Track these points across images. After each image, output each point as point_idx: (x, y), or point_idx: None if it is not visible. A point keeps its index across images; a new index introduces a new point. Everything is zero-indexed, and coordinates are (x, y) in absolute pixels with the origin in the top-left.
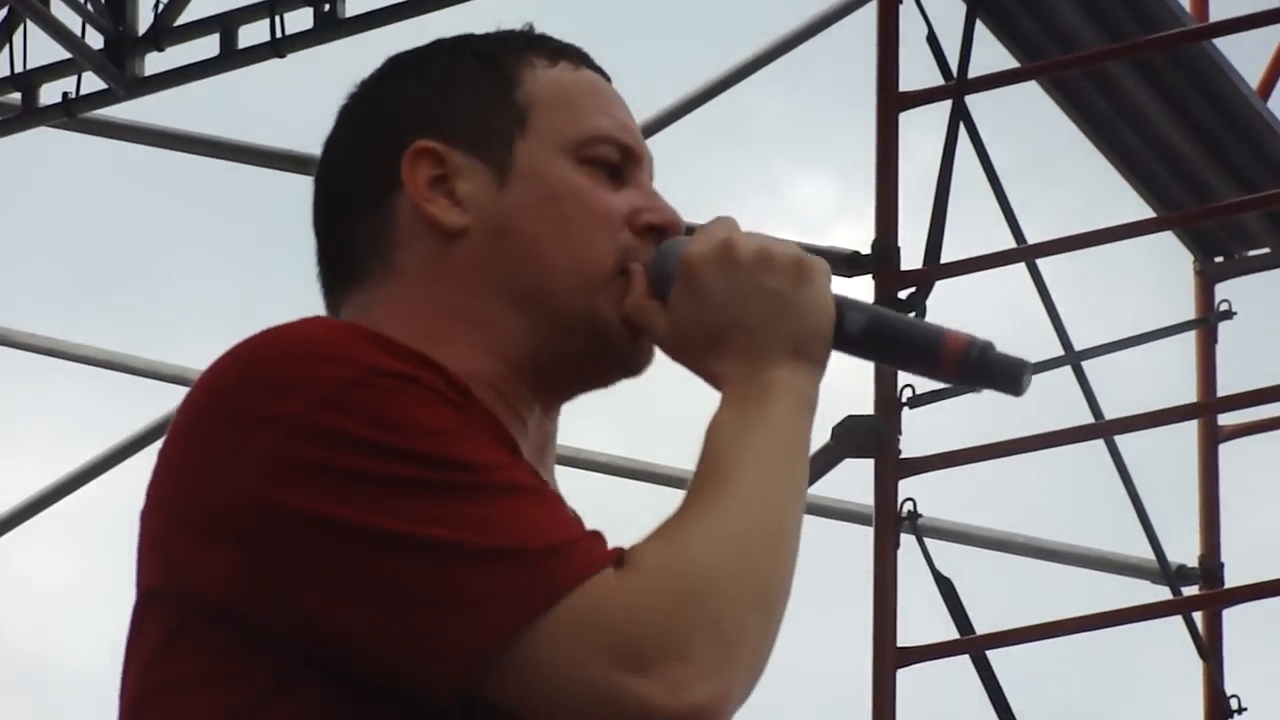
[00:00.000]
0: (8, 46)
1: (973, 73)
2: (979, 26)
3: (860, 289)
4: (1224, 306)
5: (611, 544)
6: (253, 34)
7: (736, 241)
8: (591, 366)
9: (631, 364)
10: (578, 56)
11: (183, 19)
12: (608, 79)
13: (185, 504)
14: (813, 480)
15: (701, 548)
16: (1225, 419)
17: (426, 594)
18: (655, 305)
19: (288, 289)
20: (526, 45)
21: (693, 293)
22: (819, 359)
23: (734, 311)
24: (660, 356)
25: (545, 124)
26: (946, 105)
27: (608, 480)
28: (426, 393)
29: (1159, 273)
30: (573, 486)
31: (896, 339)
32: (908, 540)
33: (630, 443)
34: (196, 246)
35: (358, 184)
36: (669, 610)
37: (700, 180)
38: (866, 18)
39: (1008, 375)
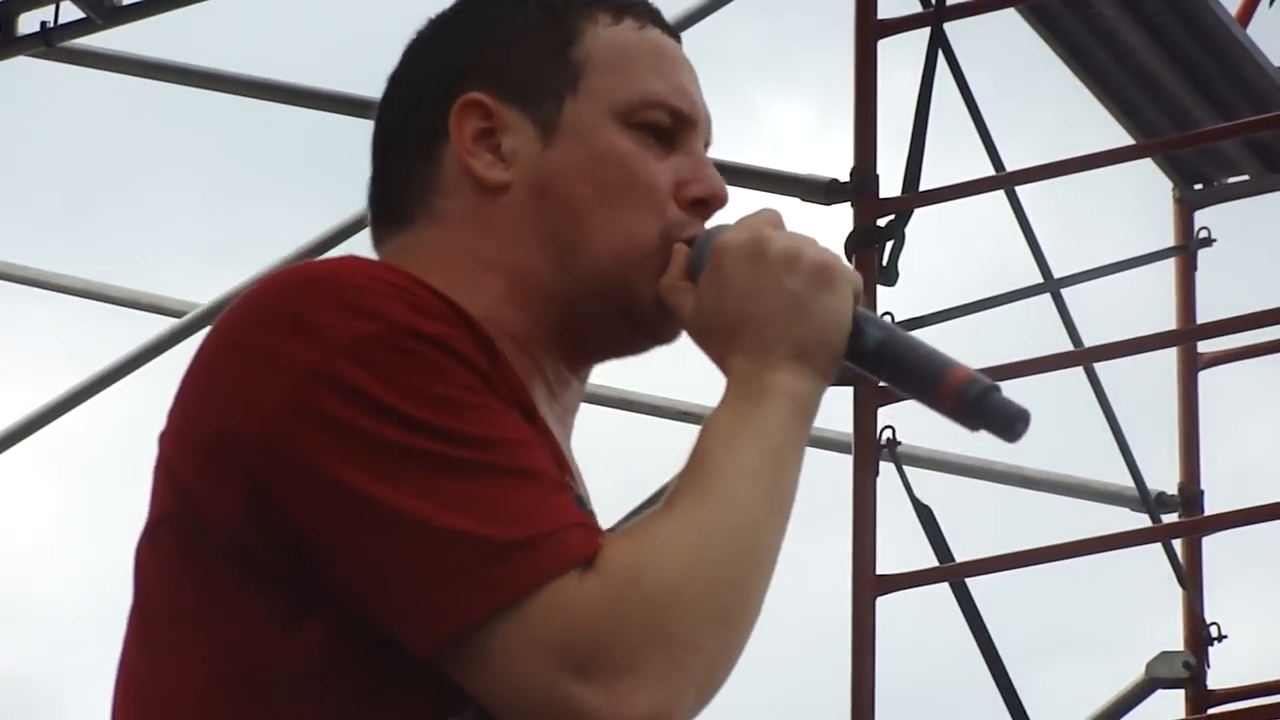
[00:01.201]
0: None
1: None
2: None
3: (839, 216)
4: (1203, 234)
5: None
6: None
7: (769, 237)
8: (618, 334)
9: (658, 337)
10: (646, 14)
11: None
12: (677, 38)
13: (200, 434)
14: None
15: (670, 557)
16: (1205, 346)
17: (400, 566)
18: (687, 287)
19: (267, 218)
20: (599, 3)
21: (718, 281)
22: (824, 368)
23: (750, 306)
24: None
25: (598, 85)
26: (924, 33)
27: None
28: (449, 358)
29: (1138, 200)
30: (619, 427)
31: (904, 362)
32: (887, 468)
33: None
34: (175, 176)
35: (410, 128)
36: (623, 621)
37: None
38: None
39: (1003, 419)
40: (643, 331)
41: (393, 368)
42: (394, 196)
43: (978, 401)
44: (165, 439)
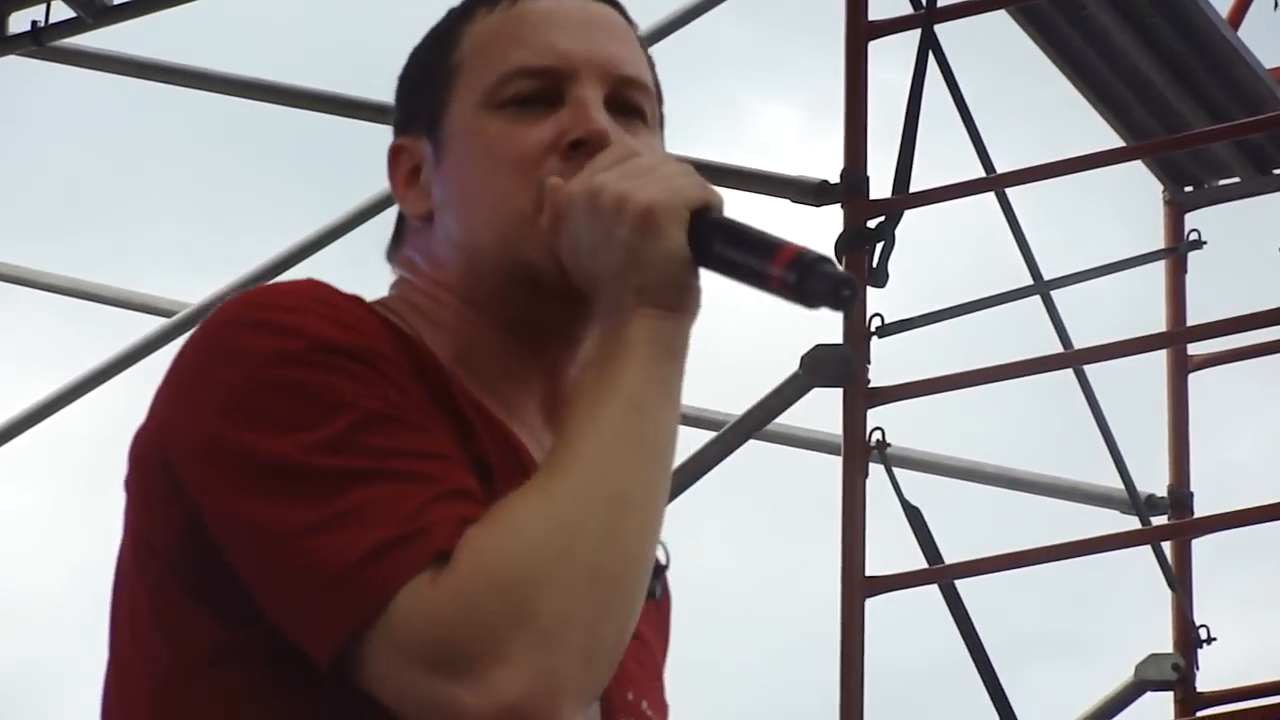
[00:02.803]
0: None
1: (941, 1)
2: None
3: (829, 218)
4: (1194, 236)
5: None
6: None
7: (599, 187)
8: (543, 304)
9: (575, 293)
10: None
11: None
12: None
13: (151, 454)
14: (781, 409)
15: (522, 534)
16: (1195, 348)
17: (288, 587)
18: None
19: (255, 219)
20: (477, 1)
21: (567, 238)
22: (679, 305)
23: (593, 264)
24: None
25: (468, 81)
26: (914, 34)
27: None
28: (364, 368)
29: (1129, 202)
30: None
31: (743, 258)
32: (876, 470)
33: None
34: (165, 176)
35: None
36: (478, 610)
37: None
38: None
39: (830, 284)
40: (557, 293)
41: (301, 383)
42: (391, 242)
43: (809, 268)
44: (129, 455)
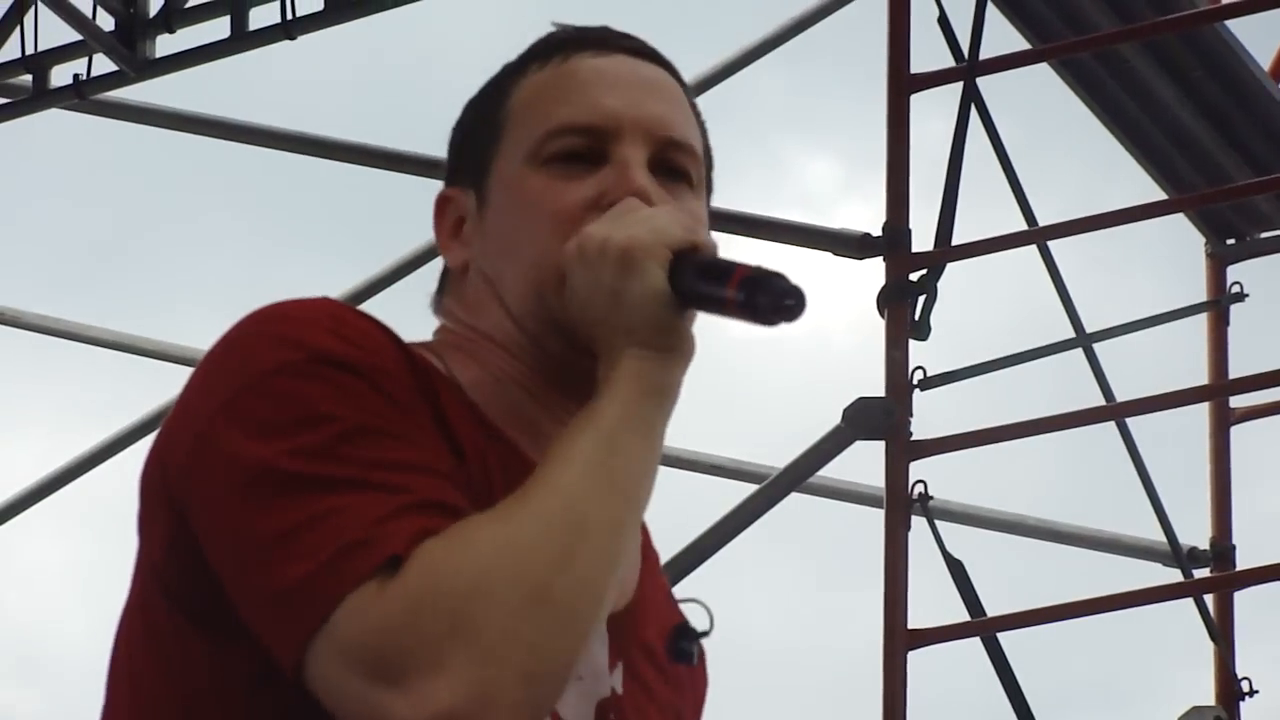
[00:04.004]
0: (19, 28)
1: (983, 54)
2: (989, 8)
3: (872, 271)
4: (1235, 289)
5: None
6: (263, 15)
7: (587, 236)
8: (575, 359)
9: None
10: (574, 43)
11: (193, 1)
12: (624, 49)
13: (149, 469)
14: (823, 462)
15: (475, 548)
16: (1237, 401)
17: (258, 592)
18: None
19: (296, 272)
20: (531, 55)
21: (570, 290)
22: (664, 345)
23: (587, 313)
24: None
25: (515, 135)
26: (954, 85)
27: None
28: (358, 382)
29: (1170, 255)
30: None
31: (708, 289)
32: (919, 522)
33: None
34: (205, 228)
35: None
36: (421, 618)
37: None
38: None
39: (777, 293)
40: (585, 348)
41: (293, 394)
42: (435, 300)
43: (755, 285)
44: (139, 487)
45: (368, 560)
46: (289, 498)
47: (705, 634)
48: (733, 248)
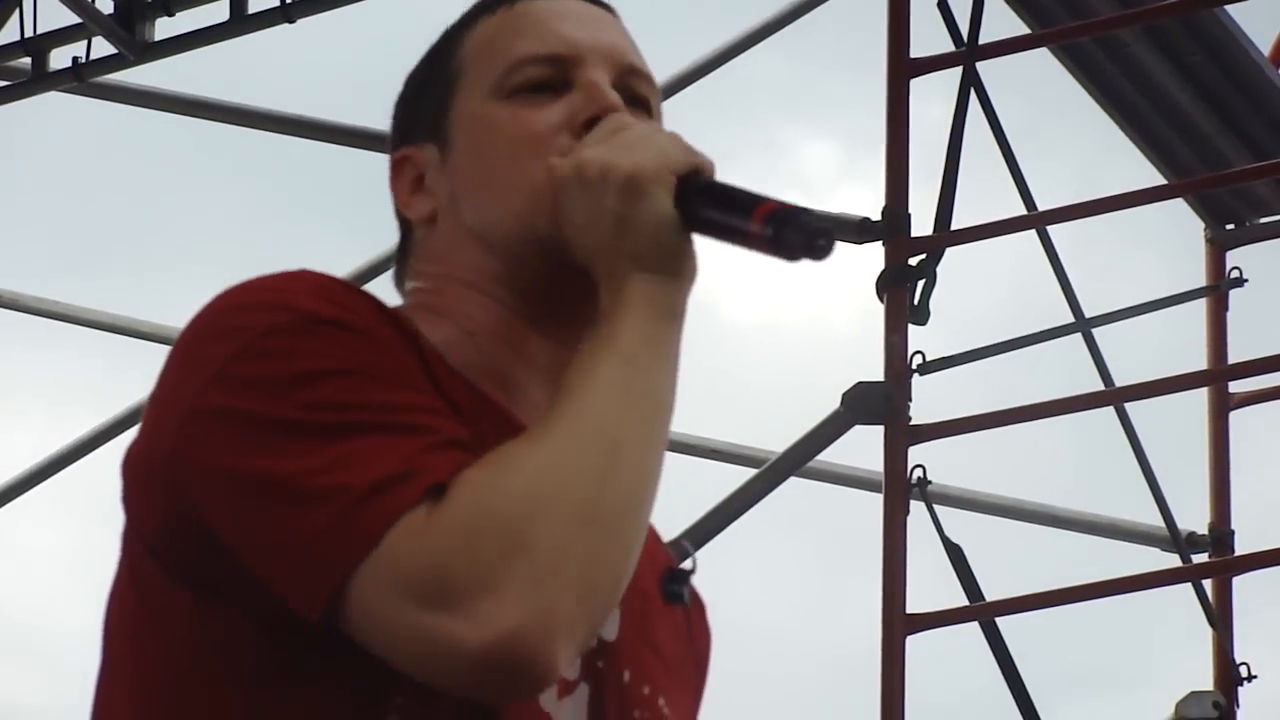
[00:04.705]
0: (18, 11)
1: (983, 38)
2: None
3: (871, 255)
4: (1235, 274)
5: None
6: None
7: (588, 159)
8: (557, 282)
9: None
10: None
11: None
12: None
13: (133, 450)
14: (822, 447)
15: (519, 471)
16: (1236, 386)
17: (281, 534)
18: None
19: (295, 256)
20: (478, 9)
21: (565, 213)
22: (673, 269)
23: (589, 238)
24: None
25: (472, 79)
26: (954, 70)
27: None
28: (353, 336)
29: (1170, 240)
30: None
31: (726, 218)
32: (917, 507)
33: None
34: (204, 211)
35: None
36: (472, 542)
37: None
38: None
39: (806, 233)
40: (569, 268)
41: (290, 349)
42: (399, 251)
43: (784, 220)
44: (121, 468)
45: (412, 490)
46: (313, 443)
47: (691, 572)
48: None
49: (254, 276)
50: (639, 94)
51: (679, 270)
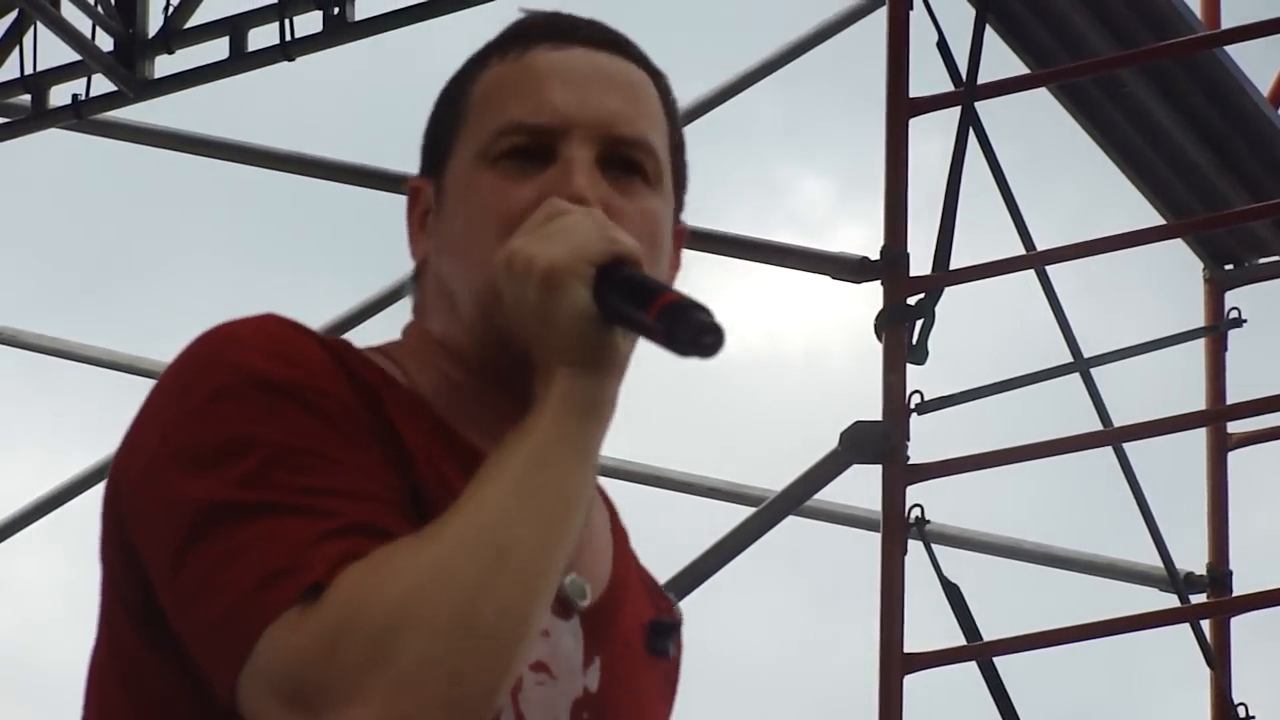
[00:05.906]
0: (18, 48)
1: (982, 78)
2: (988, 32)
3: (869, 295)
4: (1234, 314)
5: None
6: (262, 37)
7: (514, 252)
8: (516, 365)
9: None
10: (535, 36)
11: (192, 21)
12: (585, 41)
13: (107, 492)
14: (820, 485)
15: (397, 574)
16: (1234, 426)
17: (193, 625)
18: None
19: (294, 293)
20: (495, 47)
21: (502, 302)
22: (594, 362)
23: (518, 328)
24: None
25: (471, 130)
26: (953, 109)
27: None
28: (289, 404)
29: (1169, 280)
30: (647, 502)
31: (632, 311)
32: (915, 546)
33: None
34: (204, 248)
35: None
36: (338, 649)
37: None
38: (869, 22)
39: (696, 329)
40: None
41: (228, 419)
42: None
43: (676, 316)
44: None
45: (289, 589)
46: (221, 528)
47: (679, 625)
48: (731, 271)
49: (222, 324)
50: (632, 160)
51: (600, 363)
